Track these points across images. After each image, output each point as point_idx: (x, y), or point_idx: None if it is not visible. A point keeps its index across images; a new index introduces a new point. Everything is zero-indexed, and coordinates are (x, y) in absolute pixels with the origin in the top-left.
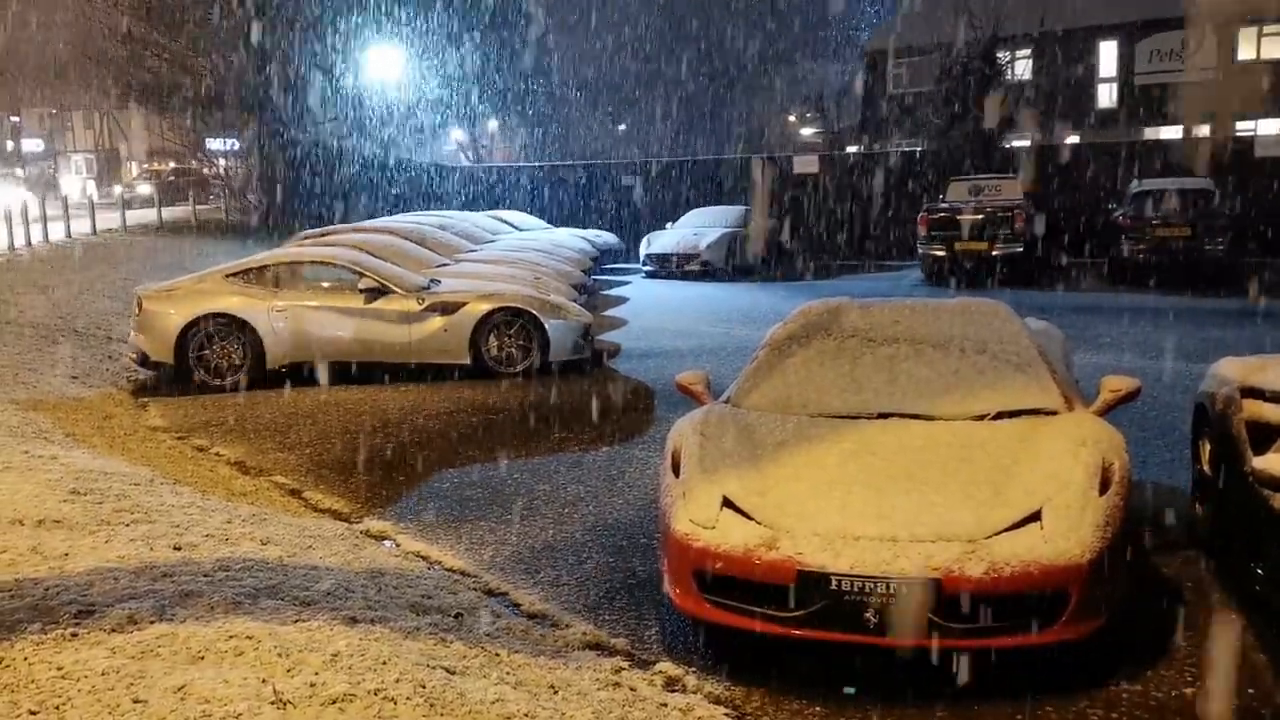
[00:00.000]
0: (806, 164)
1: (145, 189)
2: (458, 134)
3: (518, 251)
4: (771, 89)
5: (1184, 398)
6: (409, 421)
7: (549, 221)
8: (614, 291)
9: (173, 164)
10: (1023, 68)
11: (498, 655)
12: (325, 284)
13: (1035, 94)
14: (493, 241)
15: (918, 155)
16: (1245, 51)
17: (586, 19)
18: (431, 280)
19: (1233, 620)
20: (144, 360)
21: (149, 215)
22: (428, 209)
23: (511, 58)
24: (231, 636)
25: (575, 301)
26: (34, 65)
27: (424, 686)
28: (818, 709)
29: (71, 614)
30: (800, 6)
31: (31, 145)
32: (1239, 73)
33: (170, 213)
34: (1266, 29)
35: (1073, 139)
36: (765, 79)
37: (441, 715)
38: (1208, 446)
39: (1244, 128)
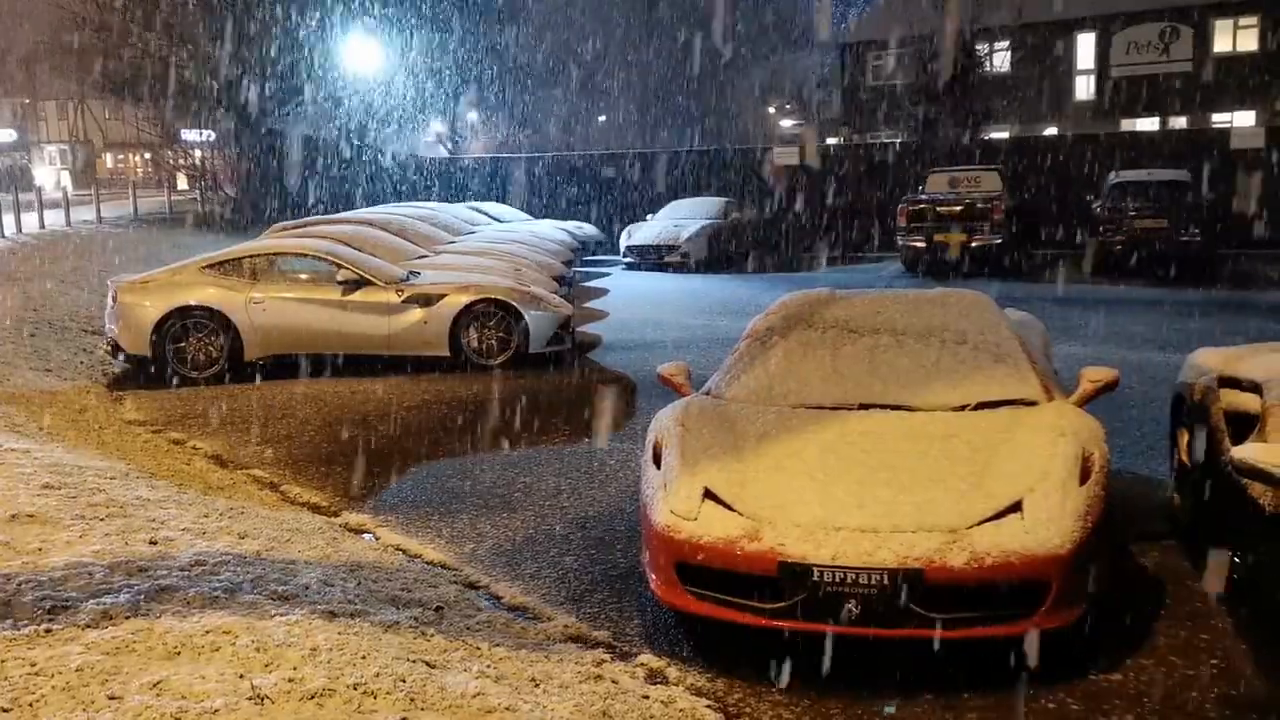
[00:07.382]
0: (787, 156)
1: (120, 180)
2: (437, 125)
3: (498, 243)
4: (751, 81)
5: (1162, 388)
6: (388, 414)
7: (529, 213)
8: (595, 283)
9: (148, 155)
10: (1001, 60)
11: (479, 649)
12: (303, 276)
13: (1014, 86)
14: (472, 233)
15: (898, 147)
16: (1221, 44)
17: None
18: (410, 272)
19: (1211, 609)
20: (119, 352)
21: (124, 207)
22: (407, 200)
23: (489, 48)
24: (208, 632)
25: (556, 293)
26: (4, 54)
27: (404, 680)
28: (801, 701)
29: (45, 609)
30: None
31: (3, 136)
32: (1215, 65)
33: (146, 204)
34: (1242, 21)
35: (1051, 130)
36: (745, 71)
37: (422, 709)
38: (1186, 436)
39: (1220, 119)
